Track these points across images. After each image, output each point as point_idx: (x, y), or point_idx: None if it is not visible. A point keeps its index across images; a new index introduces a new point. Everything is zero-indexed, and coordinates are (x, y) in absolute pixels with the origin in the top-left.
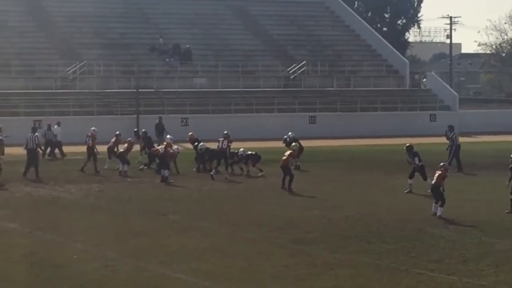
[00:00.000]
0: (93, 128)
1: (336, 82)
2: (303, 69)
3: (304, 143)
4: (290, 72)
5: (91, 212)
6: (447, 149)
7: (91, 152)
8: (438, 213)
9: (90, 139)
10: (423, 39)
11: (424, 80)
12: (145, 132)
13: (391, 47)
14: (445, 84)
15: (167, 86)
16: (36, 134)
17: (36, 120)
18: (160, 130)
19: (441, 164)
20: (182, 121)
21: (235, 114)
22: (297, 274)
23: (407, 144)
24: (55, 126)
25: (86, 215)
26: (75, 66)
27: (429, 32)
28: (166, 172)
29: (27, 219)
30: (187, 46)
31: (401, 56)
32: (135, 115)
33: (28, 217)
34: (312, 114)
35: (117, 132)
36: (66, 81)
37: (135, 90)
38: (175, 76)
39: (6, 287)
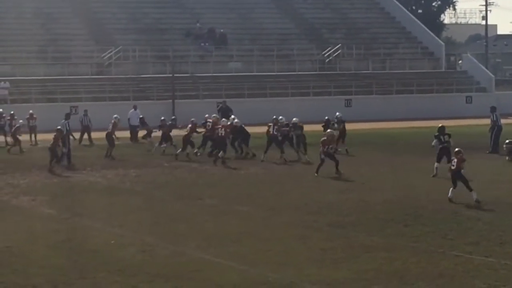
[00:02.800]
0: (115, 115)
1: (372, 65)
2: (338, 52)
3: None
4: (325, 55)
5: (128, 197)
6: (489, 130)
7: (110, 138)
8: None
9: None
10: (459, 20)
11: (460, 62)
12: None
13: (426, 29)
14: (481, 65)
15: (202, 70)
16: (68, 121)
17: (72, 106)
18: (225, 113)
19: (456, 149)
20: (218, 105)
21: (270, 98)
22: (334, 257)
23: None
24: (132, 110)
25: (123, 200)
26: (111, 51)
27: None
28: (222, 154)
29: (65, 205)
30: (222, 30)
31: (437, 38)
32: (171, 100)
33: (65, 203)
34: (348, 97)
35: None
36: (102, 67)
37: (170, 75)
38: (210, 60)
39: (44, 273)
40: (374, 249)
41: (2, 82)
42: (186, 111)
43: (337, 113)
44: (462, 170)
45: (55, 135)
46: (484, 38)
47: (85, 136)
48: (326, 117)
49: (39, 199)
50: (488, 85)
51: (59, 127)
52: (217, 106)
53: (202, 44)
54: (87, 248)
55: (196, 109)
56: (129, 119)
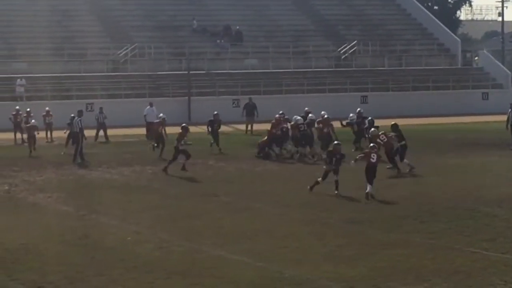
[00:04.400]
0: (161, 114)
1: (388, 62)
2: (354, 48)
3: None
4: (341, 52)
5: (144, 194)
6: (507, 127)
7: (160, 137)
8: (368, 190)
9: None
10: (475, 17)
11: (476, 58)
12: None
13: (442, 25)
14: (497, 62)
15: (218, 67)
16: (80, 118)
17: (88, 103)
18: (250, 110)
19: (371, 145)
20: (234, 102)
21: (287, 94)
22: (350, 254)
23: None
24: (148, 107)
25: (140, 197)
26: (126, 49)
27: (481, 10)
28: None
29: (81, 202)
30: (237, 27)
31: (453, 35)
32: (187, 97)
33: (81, 200)
34: (364, 93)
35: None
36: (118, 64)
37: (186, 72)
38: (226, 57)
39: (60, 270)
40: (390, 245)
41: (18, 79)
42: (202, 108)
43: (358, 109)
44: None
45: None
46: (500, 35)
47: (101, 133)
48: (351, 115)
49: (55, 196)
50: (504, 82)
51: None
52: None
53: (218, 41)
54: (104, 245)
55: (212, 106)
56: (145, 116)
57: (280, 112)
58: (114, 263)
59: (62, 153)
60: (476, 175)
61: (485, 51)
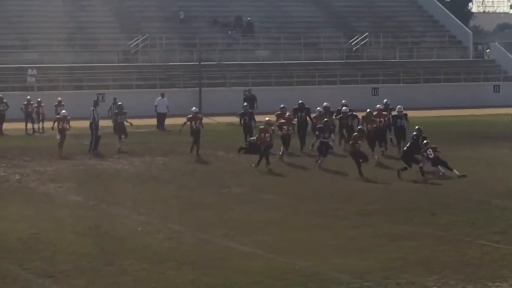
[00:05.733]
0: (194, 108)
1: (399, 54)
2: (365, 40)
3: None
4: (352, 43)
5: (155, 185)
6: None
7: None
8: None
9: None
10: (486, 9)
11: (488, 50)
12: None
13: (454, 17)
14: (509, 54)
15: (229, 58)
16: (94, 108)
17: (99, 94)
18: (250, 102)
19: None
20: (244, 93)
21: (297, 86)
22: (361, 246)
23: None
24: (159, 97)
25: (150, 187)
26: (138, 39)
27: (493, 2)
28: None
29: (92, 192)
30: (249, 18)
31: (464, 27)
32: (198, 88)
33: (92, 190)
34: (375, 85)
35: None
36: (129, 55)
37: (197, 63)
38: (237, 48)
39: (71, 260)
40: (400, 237)
41: (30, 69)
42: (212, 99)
43: (385, 100)
44: None
45: None
46: None
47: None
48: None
49: (66, 186)
50: None
51: None
52: (244, 95)
53: (229, 32)
54: (114, 235)
55: (223, 97)
56: (156, 106)
57: (281, 106)
58: (125, 253)
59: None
60: (487, 167)
61: (496, 44)
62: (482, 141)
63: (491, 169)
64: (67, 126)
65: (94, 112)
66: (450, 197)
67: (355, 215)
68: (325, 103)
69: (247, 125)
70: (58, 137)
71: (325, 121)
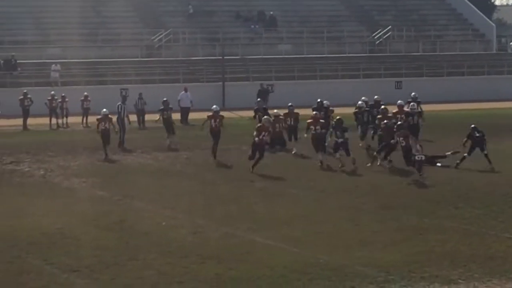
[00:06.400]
0: (214, 106)
1: (422, 47)
2: (388, 34)
3: (391, 108)
4: (375, 37)
5: (179, 180)
6: None
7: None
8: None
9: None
10: (510, 2)
11: (511, 43)
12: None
13: (477, 10)
14: None
15: (252, 53)
16: (119, 103)
17: (122, 88)
18: (264, 96)
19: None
20: (268, 87)
21: (320, 80)
22: (385, 239)
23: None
24: (183, 92)
25: (174, 182)
26: (161, 34)
27: None
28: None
29: (116, 187)
30: (271, 12)
31: (488, 20)
32: (221, 83)
33: (116, 184)
34: (398, 79)
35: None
36: (152, 50)
37: (220, 57)
38: (260, 43)
39: (96, 254)
40: (425, 231)
41: (53, 65)
42: (235, 93)
43: (413, 93)
44: None
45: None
46: None
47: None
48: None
49: (91, 181)
50: None
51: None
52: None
53: (252, 26)
54: (139, 230)
55: (246, 92)
56: (179, 101)
57: (289, 104)
58: (149, 247)
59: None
60: (511, 160)
61: None
62: (506, 134)
63: None
64: (111, 126)
65: (120, 107)
66: (475, 191)
67: (380, 209)
68: (324, 101)
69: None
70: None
71: (338, 119)
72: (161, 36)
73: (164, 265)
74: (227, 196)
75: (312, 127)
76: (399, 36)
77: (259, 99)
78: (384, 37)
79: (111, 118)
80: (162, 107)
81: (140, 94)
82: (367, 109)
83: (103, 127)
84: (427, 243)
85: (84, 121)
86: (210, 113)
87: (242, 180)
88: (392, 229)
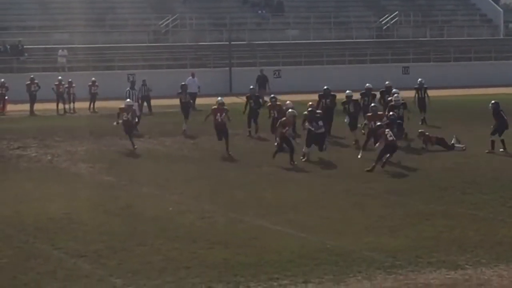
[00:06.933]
0: (219, 98)
1: (429, 32)
2: (395, 19)
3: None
4: (383, 22)
5: (186, 165)
6: None
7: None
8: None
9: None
10: None
11: None
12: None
13: None
14: None
15: (259, 38)
16: (128, 89)
17: (129, 74)
18: (263, 83)
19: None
20: (275, 73)
21: (328, 65)
22: (392, 224)
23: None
24: (190, 77)
25: (181, 167)
26: (168, 19)
27: None
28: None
29: (123, 172)
30: None
31: (495, 5)
32: (228, 68)
33: (123, 170)
34: (405, 64)
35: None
36: (159, 35)
37: (227, 42)
38: (267, 28)
39: (103, 239)
40: (432, 216)
41: (60, 50)
42: (242, 79)
43: (420, 79)
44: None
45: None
46: None
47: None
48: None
49: (98, 167)
50: None
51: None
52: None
53: (259, 11)
54: (146, 215)
55: (253, 77)
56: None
57: (271, 96)
58: (157, 233)
59: None
60: None
61: None
62: None
63: None
64: (133, 117)
65: (128, 92)
66: (482, 176)
67: (387, 194)
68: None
69: (252, 110)
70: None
71: (310, 110)
72: (168, 22)
73: (172, 250)
74: (235, 181)
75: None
76: (406, 21)
77: (252, 87)
78: (391, 22)
79: (134, 110)
80: (180, 91)
81: (144, 81)
82: (354, 99)
83: (125, 118)
84: (434, 228)
85: (91, 106)
86: (215, 106)
87: (249, 165)
88: (399, 215)
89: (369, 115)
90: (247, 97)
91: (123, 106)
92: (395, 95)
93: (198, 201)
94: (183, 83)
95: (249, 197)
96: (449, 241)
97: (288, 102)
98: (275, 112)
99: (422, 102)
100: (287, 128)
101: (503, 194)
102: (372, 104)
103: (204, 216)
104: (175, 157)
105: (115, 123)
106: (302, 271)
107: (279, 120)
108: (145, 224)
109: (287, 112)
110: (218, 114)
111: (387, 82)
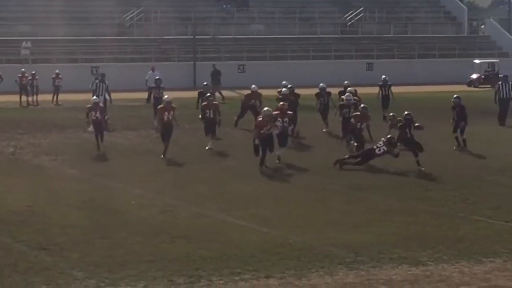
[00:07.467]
0: (208, 92)
1: (394, 29)
2: (360, 15)
3: (361, 90)
4: (347, 18)
5: (149, 159)
6: (495, 101)
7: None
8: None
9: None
10: None
11: (483, 26)
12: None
13: None
14: (503, 30)
15: (224, 32)
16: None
17: (93, 67)
18: (216, 78)
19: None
20: (239, 68)
21: (292, 61)
22: (355, 220)
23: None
24: (150, 72)
25: (145, 161)
26: (132, 12)
27: None
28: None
29: (86, 165)
30: None
31: (459, 3)
32: (192, 62)
33: (87, 163)
34: (369, 61)
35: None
36: (123, 28)
37: (192, 36)
38: (232, 22)
39: (66, 233)
40: (394, 212)
41: (24, 42)
42: (207, 73)
43: (383, 76)
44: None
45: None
46: (507, 3)
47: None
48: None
49: (61, 159)
50: (510, 51)
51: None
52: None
53: (224, 6)
54: (109, 209)
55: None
56: (146, 80)
57: (208, 94)
58: (119, 226)
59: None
60: (480, 143)
61: (491, 20)
62: (476, 117)
63: (484, 145)
64: (103, 116)
65: (96, 85)
66: (444, 173)
67: (350, 190)
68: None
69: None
70: (90, 128)
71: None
72: (133, 15)
73: (134, 244)
74: (198, 175)
75: (279, 119)
76: (371, 17)
77: (205, 83)
78: (356, 18)
79: (102, 107)
80: (153, 85)
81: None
82: (328, 91)
83: (94, 117)
84: (396, 224)
85: (55, 99)
86: (205, 103)
87: (213, 159)
88: (361, 210)
89: (356, 115)
90: (199, 93)
91: (90, 105)
92: (347, 94)
93: (161, 195)
94: (157, 77)
95: (212, 192)
96: (411, 237)
97: (253, 86)
98: (211, 111)
99: (385, 100)
100: (265, 128)
101: (464, 190)
102: (362, 105)
103: (167, 210)
104: (138, 151)
105: (89, 129)
106: (264, 266)
107: (254, 122)
108: (107, 217)
109: (262, 111)
110: (166, 113)
111: (346, 82)
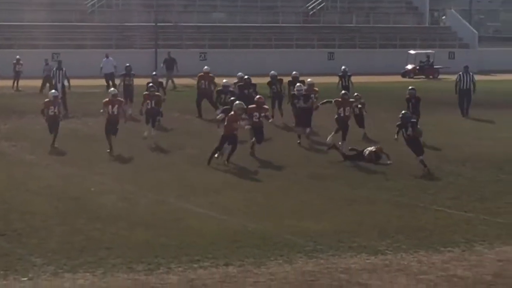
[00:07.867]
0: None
1: (355, 19)
2: (322, 5)
3: (322, 79)
4: (309, 8)
5: (108, 145)
6: (456, 91)
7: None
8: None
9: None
10: None
11: (444, 17)
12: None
13: None
14: (464, 21)
15: (186, 20)
16: (52, 68)
17: (54, 53)
18: (169, 65)
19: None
20: (201, 55)
21: (254, 49)
22: (315, 209)
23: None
24: (105, 59)
25: (104, 148)
26: None
27: None
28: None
29: (46, 152)
30: None
31: None
32: (154, 49)
33: (46, 149)
34: (331, 50)
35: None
36: (85, 14)
37: (154, 24)
38: (194, 10)
39: (25, 219)
40: (355, 202)
41: None
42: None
43: (343, 67)
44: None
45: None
46: None
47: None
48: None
49: (20, 145)
50: (471, 42)
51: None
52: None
53: None
54: (68, 195)
55: (179, 59)
56: (101, 67)
57: (150, 84)
58: (78, 213)
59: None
60: (441, 133)
61: (452, 10)
62: (436, 107)
63: (445, 135)
64: (60, 111)
65: (54, 72)
66: (405, 163)
67: (310, 179)
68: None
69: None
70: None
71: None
72: (94, 1)
73: (93, 230)
74: (158, 162)
75: (256, 113)
76: (333, 7)
77: (154, 73)
78: (318, 7)
79: (60, 103)
80: (124, 72)
81: (46, 60)
82: (280, 78)
83: (52, 113)
84: (356, 213)
85: (15, 84)
86: (107, 98)
87: (173, 147)
88: (321, 199)
89: (337, 101)
90: (147, 84)
91: (47, 99)
92: (298, 84)
93: (120, 182)
94: (127, 64)
95: (172, 179)
96: (371, 226)
97: (225, 80)
98: (152, 102)
99: (345, 90)
100: (239, 122)
101: (425, 181)
102: (343, 92)
103: (126, 197)
104: (98, 138)
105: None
106: (223, 254)
107: (226, 117)
108: (66, 204)
109: (234, 104)
110: (110, 106)
111: (294, 72)
